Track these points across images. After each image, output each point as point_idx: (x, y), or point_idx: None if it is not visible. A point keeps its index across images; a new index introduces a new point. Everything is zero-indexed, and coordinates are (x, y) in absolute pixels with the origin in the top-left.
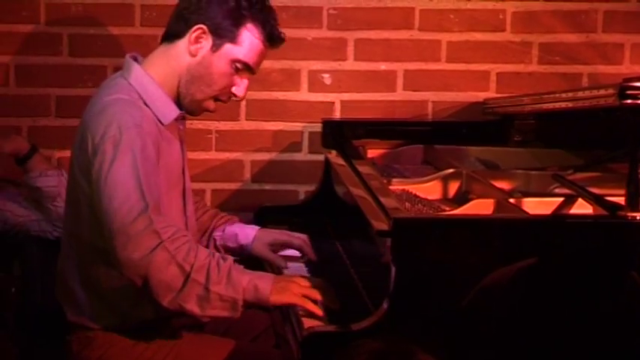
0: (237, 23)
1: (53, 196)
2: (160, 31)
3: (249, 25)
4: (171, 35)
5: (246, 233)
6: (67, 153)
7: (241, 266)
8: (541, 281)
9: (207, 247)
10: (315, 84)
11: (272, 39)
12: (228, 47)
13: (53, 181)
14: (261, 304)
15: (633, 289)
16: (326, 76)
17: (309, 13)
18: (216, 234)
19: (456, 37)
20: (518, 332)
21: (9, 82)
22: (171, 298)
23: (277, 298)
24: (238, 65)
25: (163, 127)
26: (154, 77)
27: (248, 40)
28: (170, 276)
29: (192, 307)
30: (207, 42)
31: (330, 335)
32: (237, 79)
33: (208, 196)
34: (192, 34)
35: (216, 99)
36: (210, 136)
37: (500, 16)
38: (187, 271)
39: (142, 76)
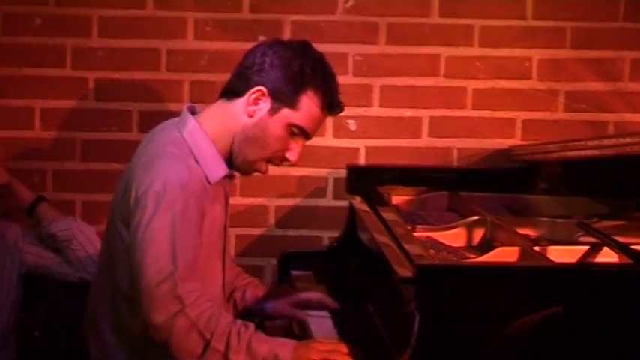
0: (298, 89)
1: (68, 239)
2: (185, 76)
3: (310, 93)
4: (231, 92)
5: (266, 297)
6: (92, 197)
7: (262, 334)
8: (566, 330)
9: None
10: (341, 130)
11: (332, 107)
12: (285, 112)
13: (65, 225)
14: None
15: None
16: (351, 122)
17: (334, 59)
18: (237, 294)
19: (481, 84)
20: None
21: (34, 126)
22: None
23: None
24: (294, 130)
25: (210, 185)
26: (208, 133)
27: (307, 107)
28: (191, 343)
29: None
30: (265, 104)
31: None
32: (292, 143)
33: (232, 241)
34: (251, 95)
35: (268, 161)
36: (234, 181)
37: (527, 64)
38: (207, 338)
39: (197, 132)
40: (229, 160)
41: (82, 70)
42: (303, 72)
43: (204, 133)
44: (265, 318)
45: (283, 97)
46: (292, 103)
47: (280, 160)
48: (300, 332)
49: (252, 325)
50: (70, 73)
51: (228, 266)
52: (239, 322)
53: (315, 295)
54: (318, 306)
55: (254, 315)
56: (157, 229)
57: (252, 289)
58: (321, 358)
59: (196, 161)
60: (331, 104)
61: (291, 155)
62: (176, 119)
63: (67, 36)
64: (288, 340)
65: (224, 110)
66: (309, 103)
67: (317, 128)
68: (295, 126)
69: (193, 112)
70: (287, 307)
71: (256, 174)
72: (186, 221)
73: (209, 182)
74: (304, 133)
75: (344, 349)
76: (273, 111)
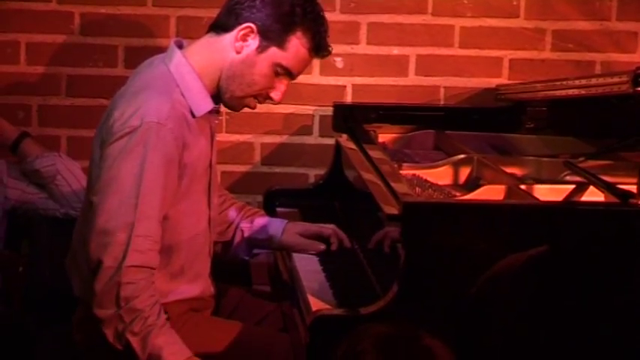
0: (288, 29)
1: (52, 175)
2: (171, 12)
3: (299, 33)
4: (219, 27)
5: (276, 225)
6: (77, 132)
7: (169, 331)
8: (551, 268)
9: (232, 239)
10: (327, 67)
11: (319, 50)
12: (273, 51)
13: (49, 161)
14: None
15: None
16: (338, 59)
17: None
18: (244, 225)
19: (469, 22)
20: (527, 319)
21: (20, 60)
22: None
23: None
24: (280, 70)
25: (194, 119)
26: (194, 67)
27: (295, 48)
28: (108, 304)
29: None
30: (254, 42)
31: (338, 319)
32: (276, 82)
33: (218, 178)
34: (240, 31)
35: (254, 97)
36: (220, 117)
37: (514, 2)
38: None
39: (183, 65)
40: (216, 96)
41: (68, 5)
42: (293, 12)
43: (190, 67)
44: (273, 248)
45: (272, 35)
46: (281, 43)
47: (265, 98)
48: (286, 274)
49: (163, 317)
50: (56, 8)
51: (215, 203)
52: (156, 308)
53: (327, 230)
54: (327, 239)
55: (260, 245)
56: (125, 169)
57: (260, 219)
58: None
59: (182, 94)
60: (319, 47)
61: (276, 94)
62: (163, 54)
63: None
64: (183, 350)
65: (212, 45)
66: (297, 44)
67: (303, 69)
68: (281, 66)
69: (180, 47)
70: (299, 239)
71: (243, 110)
72: (157, 158)
73: (194, 116)
74: (289, 74)
75: None
76: (261, 49)
